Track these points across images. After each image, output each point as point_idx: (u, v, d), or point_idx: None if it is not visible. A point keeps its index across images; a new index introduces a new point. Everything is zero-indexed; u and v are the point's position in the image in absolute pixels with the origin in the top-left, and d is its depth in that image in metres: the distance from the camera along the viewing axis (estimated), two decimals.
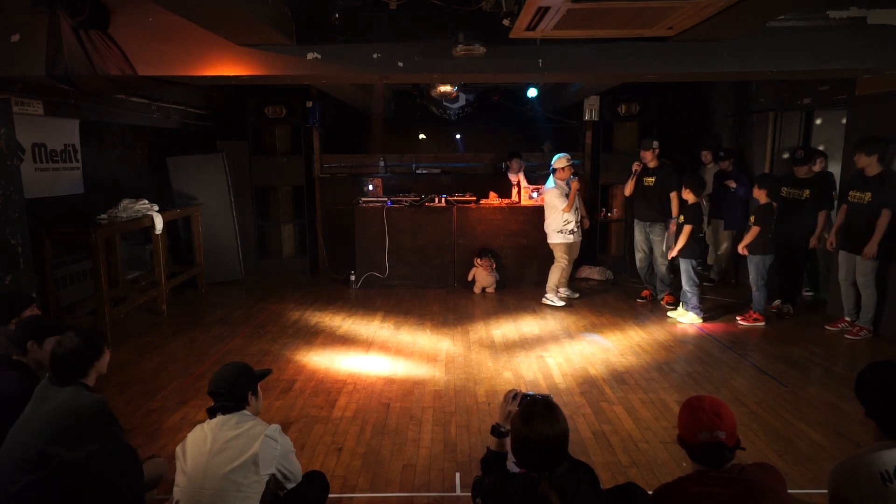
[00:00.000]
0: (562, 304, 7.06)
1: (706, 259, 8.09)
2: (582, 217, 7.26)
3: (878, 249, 5.36)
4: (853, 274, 5.68)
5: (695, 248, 6.22)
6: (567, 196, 6.89)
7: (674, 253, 6.33)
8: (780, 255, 6.55)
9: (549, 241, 7.13)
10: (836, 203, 6.16)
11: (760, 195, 6.01)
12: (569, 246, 7.10)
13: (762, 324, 6.09)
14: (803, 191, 6.18)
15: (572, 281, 7.67)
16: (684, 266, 6.26)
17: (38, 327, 3.04)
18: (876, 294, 5.54)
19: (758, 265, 6.03)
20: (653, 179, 6.79)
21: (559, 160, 6.93)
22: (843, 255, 5.78)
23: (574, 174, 7.07)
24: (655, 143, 6.76)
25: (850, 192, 5.64)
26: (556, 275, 7.08)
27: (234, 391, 2.51)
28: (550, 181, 7.03)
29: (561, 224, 7.01)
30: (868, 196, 5.45)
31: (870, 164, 5.43)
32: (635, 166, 6.85)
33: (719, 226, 7.60)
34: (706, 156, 7.97)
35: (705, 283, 7.68)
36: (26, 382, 2.84)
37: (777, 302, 6.59)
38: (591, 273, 8.32)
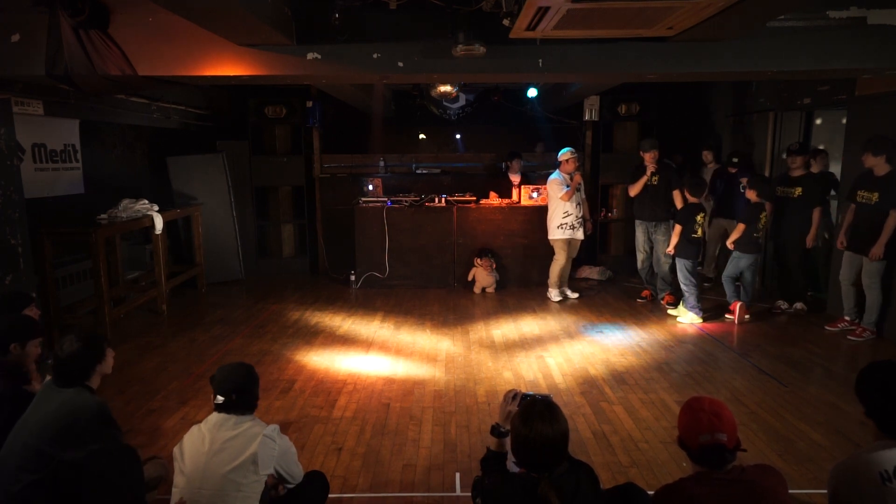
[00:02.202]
0: (558, 299, 7.18)
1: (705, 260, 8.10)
2: (585, 220, 7.31)
3: (884, 251, 5.32)
4: (856, 274, 5.65)
5: (689, 249, 6.26)
6: (568, 187, 6.99)
7: (669, 250, 6.40)
8: (777, 255, 6.58)
9: (549, 236, 7.23)
10: (833, 203, 6.17)
11: (751, 195, 6.12)
12: (568, 243, 7.19)
13: (739, 304, 6.16)
14: (794, 189, 6.21)
15: (572, 281, 7.68)
16: (679, 266, 6.32)
17: (21, 330, 3.02)
18: (881, 295, 5.49)
19: (737, 261, 6.19)
20: (656, 179, 6.80)
21: (563, 154, 7.10)
22: (848, 255, 5.73)
23: (578, 168, 7.15)
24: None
25: (858, 192, 5.57)
26: (554, 271, 7.23)
27: (247, 399, 2.52)
28: (555, 173, 7.18)
29: (561, 217, 7.10)
30: (875, 196, 5.40)
31: (878, 165, 5.38)
32: (651, 167, 6.80)
33: (724, 225, 7.57)
34: (707, 156, 7.97)
35: (705, 284, 7.70)
36: (7, 385, 2.85)
37: (779, 302, 6.60)
38: (591, 273, 8.32)
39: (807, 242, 6.16)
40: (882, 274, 5.46)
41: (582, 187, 7.32)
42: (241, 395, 2.49)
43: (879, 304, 5.52)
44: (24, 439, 2.46)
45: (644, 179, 6.83)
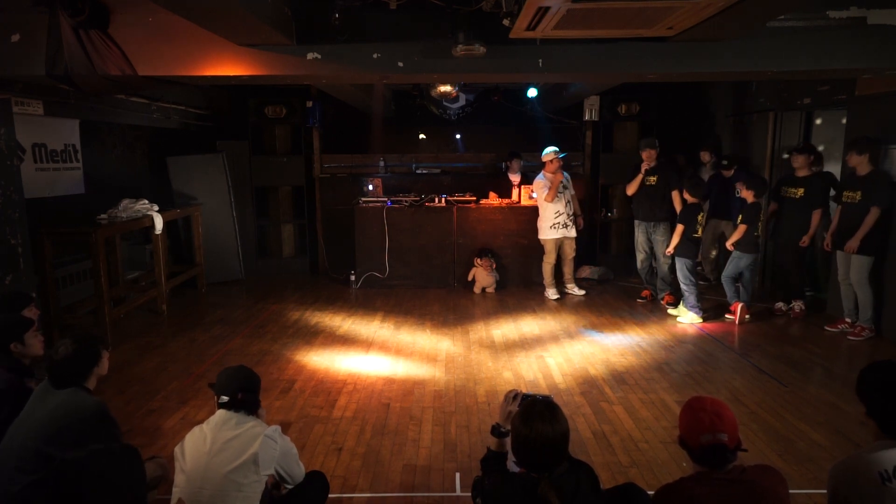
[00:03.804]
0: (556, 297, 7.26)
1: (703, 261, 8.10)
2: (576, 215, 7.36)
3: (859, 245, 5.45)
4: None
5: (689, 248, 6.26)
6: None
7: (670, 250, 6.39)
8: (777, 255, 6.59)
9: (541, 236, 7.34)
10: (832, 203, 6.17)
11: (748, 195, 6.11)
12: (558, 242, 7.29)
13: (741, 306, 6.17)
14: (798, 189, 6.21)
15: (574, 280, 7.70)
16: (679, 265, 6.32)
17: (13, 328, 3.03)
18: (871, 292, 5.56)
19: (737, 261, 6.19)
20: (655, 179, 6.81)
21: (546, 154, 7.17)
22: (840, 255, 5.82)
23: (561, 167, 7.18)
24: (657, 142, 6.81)
25: (844, 193, 5.73)
26: (547, 270, 7.35)
27: (252, 399, 2.53)
28: (540, 174, 7.28)
29: (553, 217, 7.19)
30: (858, 195, 5.56)
31: (861, 164, 5.54)
32: (644, 164, 6.83)
33: (719, 225, 7.57)
34: (704, 156, 7.97)
35: (701, 282, 7.71)
36: (12, 378, 2.86)
37: (779, 304, 6.59)
38: (591, 273, 8.32)
39: (802, 241, 6.16)
40: (869, 270, 5.54)
41: (570, 183, 7.36)
42: (247, 394, 2.50)
43: (871, 301, 5.58)
44: (22, 440, 2.46)
45: (639, 178, 6.87)
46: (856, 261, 5.57)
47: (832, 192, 6.29)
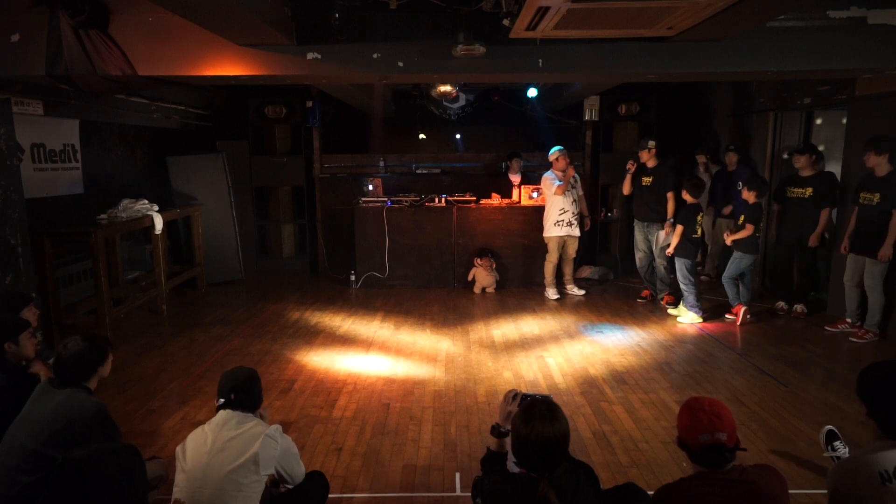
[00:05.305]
0: (555, 297, 7.26)
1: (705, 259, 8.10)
2: (584, 216, 7.38)
3: (892, 252, 5.26)
4: (860, 276, 5.61)
5: (689, 248, 6.25)
6: (560, 182, 7.13)
7: (670, 251, 6.38)
8: (784, 255, 6.56)
9: (544, 234, 7.35)
10: (838, 202, 6.15)
11: (750, 196, 6.08)
12: (564, 241, 7.28)
13: (744, 309, 6.17)
14: (806, 189, 6.18)
15: (574, 280, 7.70)
16: (679, 265, 6.31)
17: (9, 328, 3.04)
18: (883, 297, 5.45)
19: (739, 262, 6.16)
20: (650, 179, 6.83)
21: (553, 153, 7.22)
22: (852, 257, 5.69)
23: (570, 164, 7.22)
24: (651, 143, 6.82)
25: (861, 194, 5.55)
26: (548, 269, 7.35)
27: (246, 398, 2.53)
28: (549, 171, 7.32)
29: (557, 215, 7.19)
30: (877, 197, 5.37)
31: (879, 164, 5.36)
32: (629, 165, 6.95)
33: (722, 224, 7.57)
34: (700, 158, 7.97)
35: (703, 277, 7.71)
36: (8, 378, 2.87)
37: (780, 303, 6.58)
38: (592, 273, 8.32)
39: (810, 241, 6.13)
40: (885, 275, 5.42)
41: (578, 183, 7.38)
42: (240, 394, 2.50)
43: (882, 306, 5.48)
44: (21, 441, 2.46)
45: (628, 178, 7.00)
46: (871, 265, 5.43)
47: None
